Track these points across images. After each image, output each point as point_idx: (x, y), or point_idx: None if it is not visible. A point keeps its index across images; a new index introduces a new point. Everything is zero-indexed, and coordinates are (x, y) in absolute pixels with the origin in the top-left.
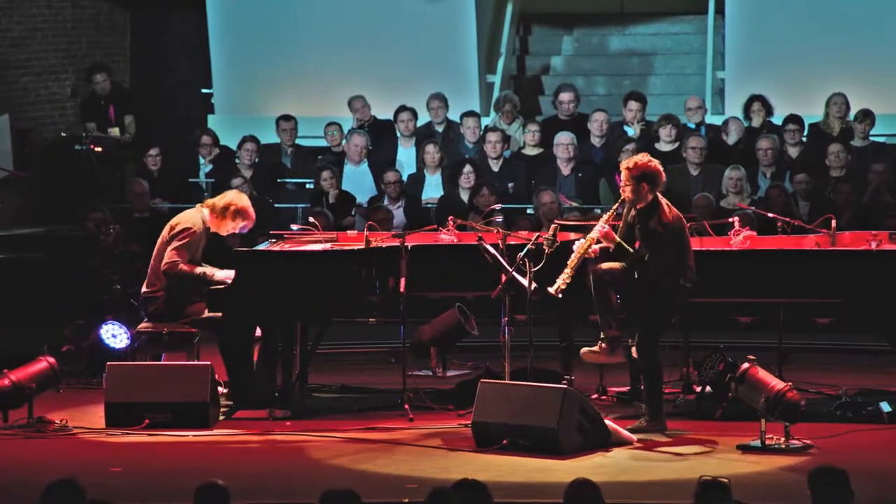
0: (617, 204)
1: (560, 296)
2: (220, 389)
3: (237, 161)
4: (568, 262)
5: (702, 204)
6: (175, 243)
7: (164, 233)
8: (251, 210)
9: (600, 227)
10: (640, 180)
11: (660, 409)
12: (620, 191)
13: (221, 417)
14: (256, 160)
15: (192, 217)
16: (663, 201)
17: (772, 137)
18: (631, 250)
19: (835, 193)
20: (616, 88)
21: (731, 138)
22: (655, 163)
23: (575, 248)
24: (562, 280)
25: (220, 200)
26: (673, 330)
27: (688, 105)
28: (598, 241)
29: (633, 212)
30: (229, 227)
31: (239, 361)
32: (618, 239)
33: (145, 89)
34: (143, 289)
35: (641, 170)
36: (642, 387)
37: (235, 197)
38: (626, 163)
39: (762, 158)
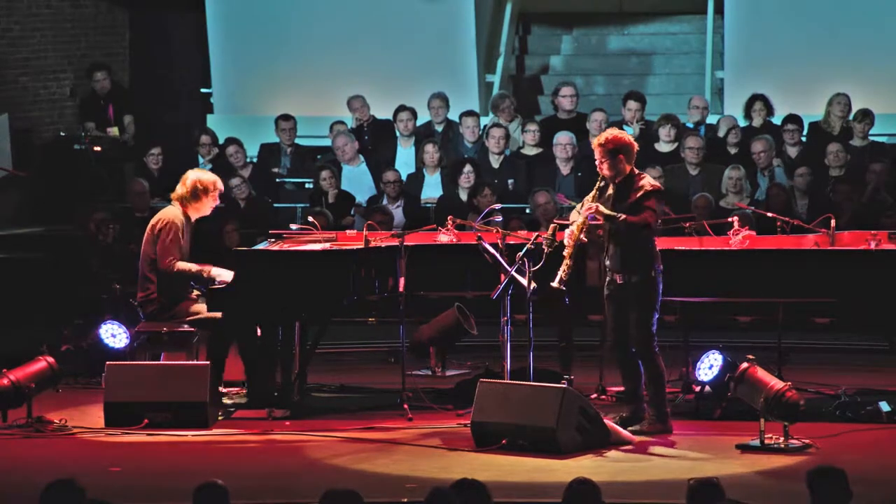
0: (599, 182)
1: (564, 288)
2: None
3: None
4: (564, 254)
5: (701, 204)
6: (162, 241)
7: (147, 234)
8: (214, 178)
9: (587, 206)
10: (616, 153)
11: (665, 411)
12: (598, 168)
13: (221, 417)
14: (247, 160)
15: (171, 211)
16: (639, 173)
17: (766, 139)
18: (620, 216)
19: (834, 193)
20: (615, 88)
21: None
22: (625, 134)
23: (566, 236)
24: (562, 272)
25: (184, 188)
26: (672, 330)
27: (692, 104)
28: (592, 219)
29: (610, 190)
30: (209, 205)
31: (247, 361)
32: (606, 211)
33: (145, 89)
34: (138, 294)
35: (615, 143)
36: (623, 388)
37: (193, 176)
38: (597, 140)
39: (756, 161)
